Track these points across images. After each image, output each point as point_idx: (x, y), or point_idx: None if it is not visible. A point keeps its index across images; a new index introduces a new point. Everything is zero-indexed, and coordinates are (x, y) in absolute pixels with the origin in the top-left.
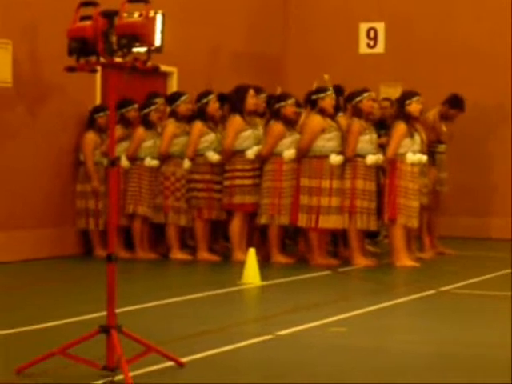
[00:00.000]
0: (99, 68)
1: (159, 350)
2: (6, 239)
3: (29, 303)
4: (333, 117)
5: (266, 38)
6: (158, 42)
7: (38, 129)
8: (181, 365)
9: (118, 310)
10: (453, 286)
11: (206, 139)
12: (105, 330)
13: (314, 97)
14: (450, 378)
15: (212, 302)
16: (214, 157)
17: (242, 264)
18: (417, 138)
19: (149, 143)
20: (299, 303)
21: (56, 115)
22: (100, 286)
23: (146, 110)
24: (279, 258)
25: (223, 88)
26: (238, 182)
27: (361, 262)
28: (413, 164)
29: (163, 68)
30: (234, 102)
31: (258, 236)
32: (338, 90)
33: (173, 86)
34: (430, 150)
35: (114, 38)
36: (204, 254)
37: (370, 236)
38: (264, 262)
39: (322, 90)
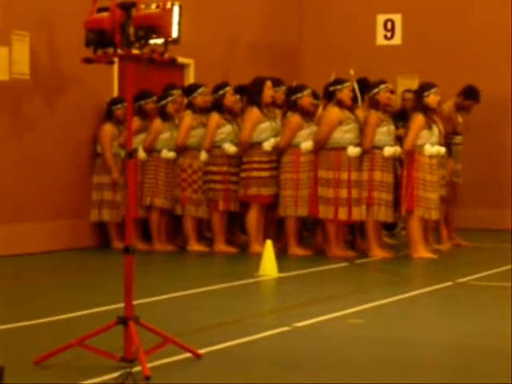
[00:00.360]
0: (116, 60)
1: (176, 342)
2: (24, 231)
3: (47, 295)
4: (351, 109)
5: (283, 29)
6: (175, 33)
7: (55, 121)
8: (198, 356)
9: (135, 302)
10: (470, 278)
11: (222, 131)
12: (122, 321)
13: (331, 88)
14: (467, 369)
15: (229, 293)
16: (230, 148)
17: (259, 256)
18: (435, 129)
19: (166, 135)
20: (316, 295)
21: (74, 107)
22: (117, 278)
23: (163, 102)
24: (296, 250)
25: (240, 80)
26: (254, 173)
27: (378, 253)
28: (431, 156)
29: (180, 60)
30: (251, 93)
31: (274, 228)
32: (364, 84)
33: (190, 77)
34: (447, 141)
35: (131, 30)
36: (221, 246)
37: (388, 228)
38: (281, 253)
39: (339, 81)
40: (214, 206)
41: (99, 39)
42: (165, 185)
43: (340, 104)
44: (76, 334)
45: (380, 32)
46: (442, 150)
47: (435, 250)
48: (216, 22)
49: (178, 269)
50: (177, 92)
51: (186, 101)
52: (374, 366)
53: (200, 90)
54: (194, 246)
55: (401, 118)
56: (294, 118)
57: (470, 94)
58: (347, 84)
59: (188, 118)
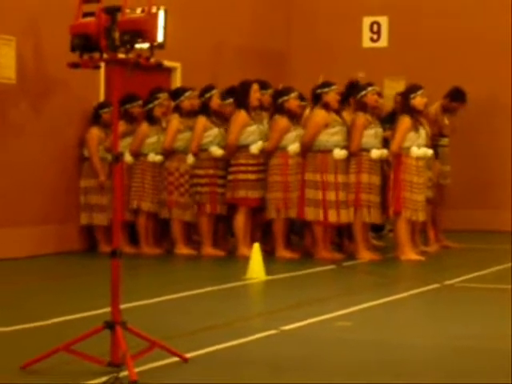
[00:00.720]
0: (102, 64)
1: (164, 346)
2: (12, 235)
3: (34, 299)
4: (337, 111)
5: (270, 33)
6: (160, 37)
7: (42, 125)
8: (185, 360)
9: (122, 306)
10: (457, 280)
11: (209, 134)
12: (109, 325)
13: (318, 91)
14: (456, 371)
15: (217, 297)
16: (217, 151)
17: (246, 259)
18: (422, 131)
19: (152, 139)
20: (304, 298)
21: (60, 111)
22: (105, 282)
23: (150, 106)
24: (284, 253)
25: (227, 83)
26: (241, 176)
27: (366, 255)
28: (418, 158)
29: (166, 63)
30: (238, 97)
31: (261, 231)
32: (352, 86)
33: (176, 81)
34: (433, 143)
35: (116, 34)
36: (209, 249)
37: (375, 230)
38: (269, 256)
39: (326, 84)
40: (200, 209)
41: (85, 44)
42: (152, 188)
43: (326, 107)
44: (63, 338)
45: (366, 34)
46: (429, 151)
47: (423, 251)
48: (202, 26)
49: (165, 272)
50: (163, 96)
51: (172, 104)
52: (362, 369)
53: (187, 94)
54: (182, 250)
55: (390, 120)
56: (282, 121)
57: (457, 95)
58: (334, 87)
59: (175, 121)
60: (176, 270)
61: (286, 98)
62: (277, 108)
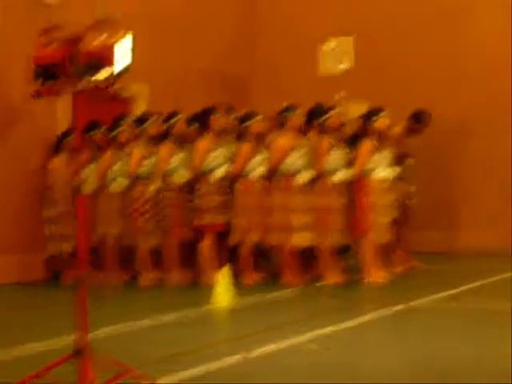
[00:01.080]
0: (65, 93)
1: (132, 373)
2: None
3: None
4: (301, 135)
5: (234, 58)
6: (125, 63)
7: (5, 154)
8: None
9: (89, 334)
10: (423, 301)
11: (174, 160)
12: (76, 354)
13: (282, 114)
14: None
15: (184, 323)
16: (182, 177)
17: (212, 284)
18: (385, 153)
19: (118, 165)
20: (271, 322)
21: (24, 140)
22: (71, 311)
23: (114, 132)
24: (251, 278)
25: (192, 107)
26: (207, 201)
27: (332, 278)
28: (382, 180)
29: (131, 89)
30: (202, 122)
31: (227, 256)
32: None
33: (141, 106)
34: (397, 164)
35: (80, 62)
36: (175, 275)
37: (341, 252)
38: (235, 281)
39: (290, 107)
40: (166, 235)
41: (48, 73)
42: (118, 215)
43: (291, 130)
44: (30, 369)
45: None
46: (393, 173)
47: (388, 273)
48: (168, 51)
49: (131, 299)
50: (128, 121)
51: (137, 130)
52: None
53: (151, 120)
54: (147, 276)
55: (351, 142)
56: (246, 145)
57: (420, 117)
58: (298, 110)
59: (139, 147)
60: (142, 296)
61: (250, 122)
62: (241, 132)
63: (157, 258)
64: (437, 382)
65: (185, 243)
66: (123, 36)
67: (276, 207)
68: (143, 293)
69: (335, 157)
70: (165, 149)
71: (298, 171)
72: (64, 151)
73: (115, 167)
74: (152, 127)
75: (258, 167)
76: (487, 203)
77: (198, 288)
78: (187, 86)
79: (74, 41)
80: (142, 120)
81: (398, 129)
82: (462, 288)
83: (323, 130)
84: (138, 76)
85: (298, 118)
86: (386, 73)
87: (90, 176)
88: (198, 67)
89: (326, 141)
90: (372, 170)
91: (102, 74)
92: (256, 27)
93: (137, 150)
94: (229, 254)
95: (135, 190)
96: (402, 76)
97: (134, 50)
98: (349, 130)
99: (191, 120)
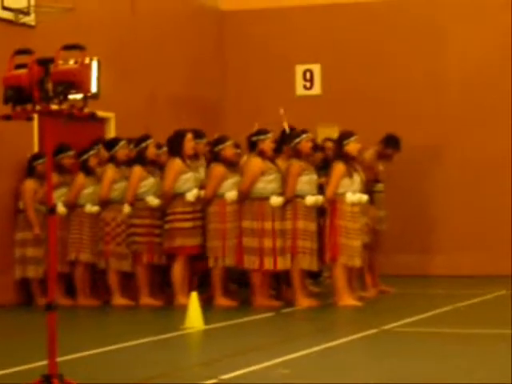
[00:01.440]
0: (35, 116)
1: None
2: None
3: None
4: (272, 159)
5: (204, 82)
6: (94, 88)
7: None
8: None
9: (59, 359)
10: (395, 324)
11: (145, 184)
12: (47, 379)
13: (253, 138)
14: None
15: (155, 347)
16: (153, 201)
17: (184, 308)
18: (356, 177)
19: (89, 189)
20: (243, 346)
21: None
22: (41, 335)
23: (85, 157)
24: (222, 301)
25: (161, 132)
26: (178, 224)
27: (304, 302)
28: (353, 204)
29: (100, 114)
30: (172, 145)
31: (198, 279)
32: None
33: (111, 131)
34: (368, 189)
35: (49, 86)
36: (146, 299)
37: (312, 276)
38: (207, 305)
39: (261, 132)
40: (137, 259)
41: (18, 96)
42: (89, 239)
43: (262, 154)
44: None
45: (299, 82)
46: (364, 197)
47: (360, 297)
48: (137, 76)
49: (102, 324)
50: (98, 146)
51: (106, 154)
52: None
53: (121, 144)
54: (119, 300)
55: (323, 166)
56: (218, 169)
57: (391, 142)
58: (269, 134)
59: (110, 171)
60: (113, 321)
61: (221, 146)
62: (213, 156)
63: (129, 281)
64: None
65: (157, 267)
66: (90, 62)
67: (248, 231)
68: (114, 317)
69: (306, 180)
70: (135, 173)
71: (269, 195)
72: (35, 174)
73: (86, 191)
74: (122, 151)
75: (229, 191)
76: (459, 227)
77: (170, 311)
78: (157, 112)
79: (46, 63)
80: (112, 144)
81: (368, 153)
82: (432, 312)
83: (294, 154)
84: (105, 103)
85: (269, 141)
86: (355, 98)
87: (56, 200)
88: (168, 93)
89: (297, 164)
90: (343, 193)
91: (76, 96)
92: (225, 50)
93: (108, 174)
94: (201, 277)
95: (107, 213)
96: (372, 101)
97: (99, 77)
98: (320, 154)
99: (161, 144)
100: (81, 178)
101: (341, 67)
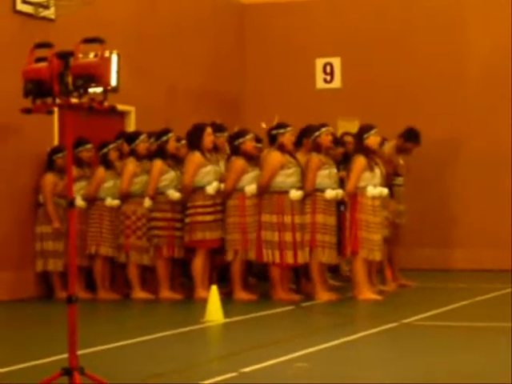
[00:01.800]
0: (55, 109)
1: None
2: None
3: None
4: (292, 152)
5: (224, 76)
6: (113, 81)
7: None
8: None
9: (80, 352)
10: (415, 318)
11: (165, 177)
12: (67, 372)
13: (273, 132)
14: None
15: (176, 341)
16: (174, 195)
17: (204, 301)
18: (377, 171)
19: (109, 183)
20: (263, 339)
21: (14, 156)
22: (61, 328)
23: (105, 150)
24: (242, 295)
25: (182, 126)
26: (198, 218)
27: (323, 296)
28: (373, 197)
29: (120, 107)
30: (191, 139)
31: (218, 273)
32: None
33: (131, 125)
34: (388, 182)
35: (69, 79)
36: (166, 293)
37: (332, 270)
38: (227, 298)
39: (281, 125)
40: (158, 252)
41: (38, 89)
42: (109, 233)
43: (281, 148)
44: None
45: (319, 76)
46: (385, 191)
47: (380, 291)
48: (156, 69)
49: (123, 317)
50: (118, 139)
51: (127, 148)
52: None
53: (142, 138)
54: (139, 294)
55: (343, 160)
56: (238, 162)
57: (411, 135)
58: (289, 128)
59: (131, 165)
60: (133, 314)
61: (241, 139)
62: (233, 150)
63: (150, 275)
64: None
65: (177, 260)
66: (110, 55)
67: (267, 225)
68: (134, 310)
69: (325, 174)
70: (156, 166)
71: (289, 189)
72: (55, 168)
73: (107, 185)
74: (142, 145)
75: (249, 184)
76: (479, 220)
77: (190, 305)
78: (177, 106)
79: (65, 56)
80: (132, 138)
81: (388, 147)
82: (452, 306)
83: (314, 148)
84: (125, 97)
85: (289, 135)
86: (375, 92)
87: (75, 193)
88: (188, 86)
89: (317, 158)
90: (364, 187)
91: (96, 89)
92: (246, 44)
93: (128, 168)
94: (222, 271)
95: (127, 207)
96: (392, 95)
97: (119, 70)
98: (340, 149)
99: (181, 137)
100: (101, 171)
101: (361, 60)
